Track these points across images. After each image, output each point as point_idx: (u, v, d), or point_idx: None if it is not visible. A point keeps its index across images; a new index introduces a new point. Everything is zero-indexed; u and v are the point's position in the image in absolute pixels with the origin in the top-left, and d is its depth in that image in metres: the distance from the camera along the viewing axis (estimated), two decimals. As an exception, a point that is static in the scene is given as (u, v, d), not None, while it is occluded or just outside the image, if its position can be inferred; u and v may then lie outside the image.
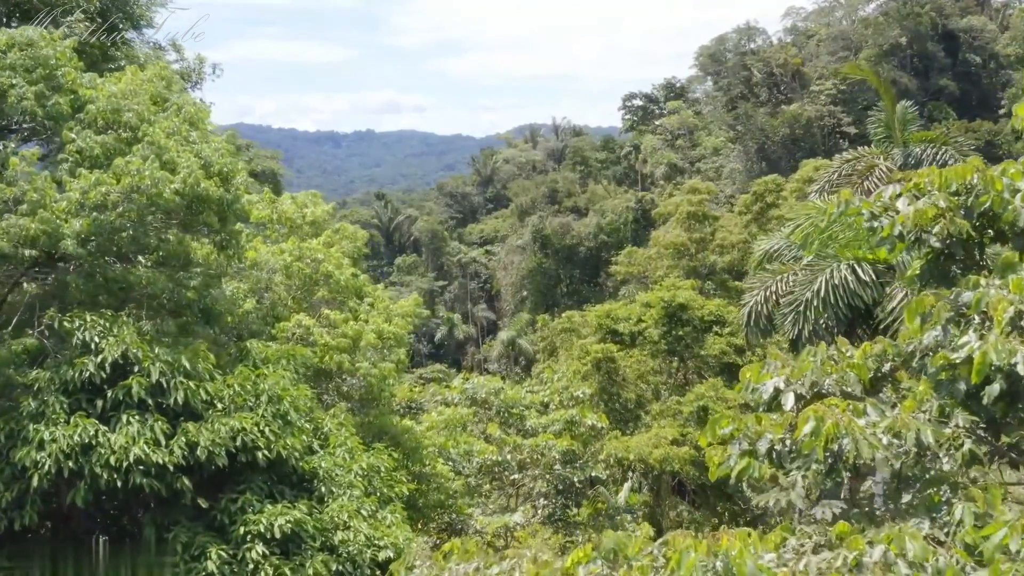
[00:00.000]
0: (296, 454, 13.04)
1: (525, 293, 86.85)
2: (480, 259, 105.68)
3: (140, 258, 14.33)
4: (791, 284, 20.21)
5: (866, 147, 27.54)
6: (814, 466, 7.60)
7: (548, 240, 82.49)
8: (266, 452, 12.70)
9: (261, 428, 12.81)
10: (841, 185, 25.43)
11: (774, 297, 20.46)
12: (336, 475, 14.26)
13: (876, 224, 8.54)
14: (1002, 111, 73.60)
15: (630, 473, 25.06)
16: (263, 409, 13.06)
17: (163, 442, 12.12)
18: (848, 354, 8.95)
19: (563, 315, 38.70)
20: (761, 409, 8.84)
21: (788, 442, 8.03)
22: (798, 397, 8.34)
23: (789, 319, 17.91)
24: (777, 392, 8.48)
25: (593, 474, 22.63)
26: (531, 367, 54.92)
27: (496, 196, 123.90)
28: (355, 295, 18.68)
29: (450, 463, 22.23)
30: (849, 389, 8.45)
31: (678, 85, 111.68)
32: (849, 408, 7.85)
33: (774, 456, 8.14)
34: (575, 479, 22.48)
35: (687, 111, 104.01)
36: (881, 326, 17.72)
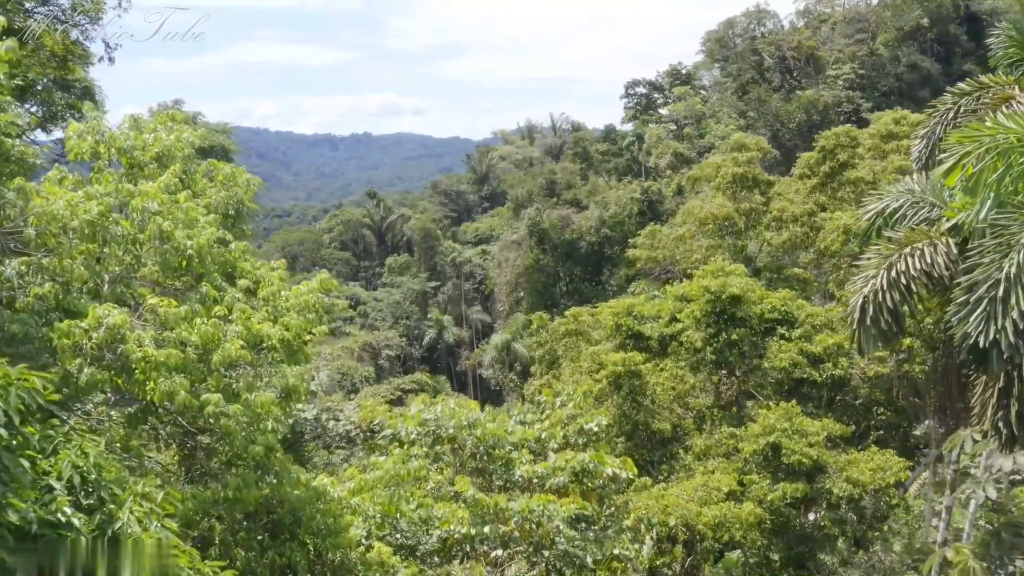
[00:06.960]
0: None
1: (522, 293, 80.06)
2: (475, 259, 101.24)
3: None
4: (932, 258, 12.59)
5: (990, 75, 19.91)
6: None
7: (546, 234, 75.36)
8: None
9: None
10: (966, 125, 17.89)
11: (904, 280, 12.78)
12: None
13: None
14: (1028, 97, 67.64)
15: (668, 543, 17.29)
16: None
17: None
18: None
19: (567, 313, 30.15)
20: None
21: None
22: None
23: (976, 314, 10.18)
24: None
25: (617, 550, 14.88)
26: (527, 374, 46.95)
27: (492, 194, 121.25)
28: (221, 274, 10.95)
29: (398, 535, 14.56)
30: None
31: (684, 72, 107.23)
32: None
33: None
34: (587, 558, 14.77)
35: (695, 98, 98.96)
36: None
